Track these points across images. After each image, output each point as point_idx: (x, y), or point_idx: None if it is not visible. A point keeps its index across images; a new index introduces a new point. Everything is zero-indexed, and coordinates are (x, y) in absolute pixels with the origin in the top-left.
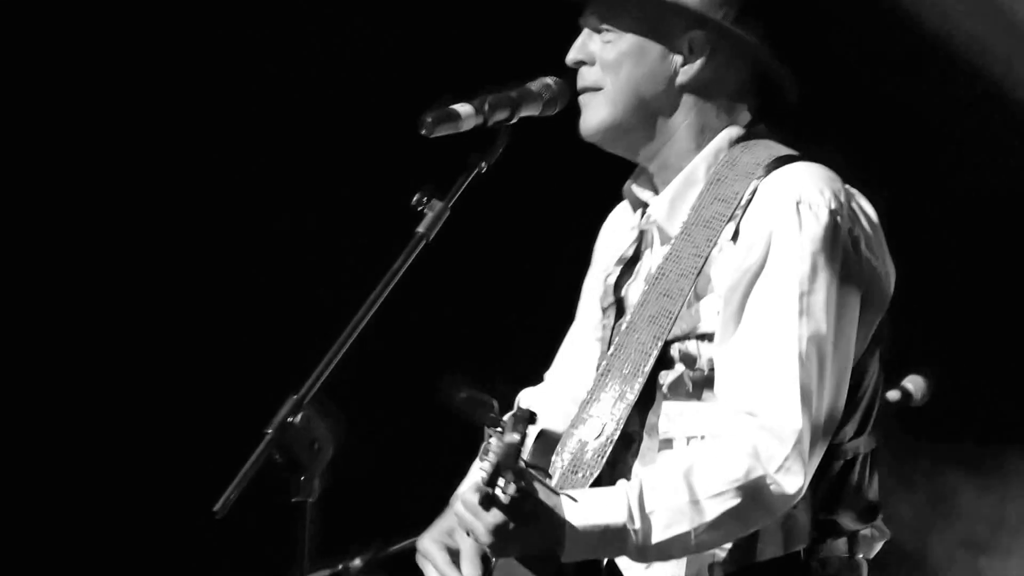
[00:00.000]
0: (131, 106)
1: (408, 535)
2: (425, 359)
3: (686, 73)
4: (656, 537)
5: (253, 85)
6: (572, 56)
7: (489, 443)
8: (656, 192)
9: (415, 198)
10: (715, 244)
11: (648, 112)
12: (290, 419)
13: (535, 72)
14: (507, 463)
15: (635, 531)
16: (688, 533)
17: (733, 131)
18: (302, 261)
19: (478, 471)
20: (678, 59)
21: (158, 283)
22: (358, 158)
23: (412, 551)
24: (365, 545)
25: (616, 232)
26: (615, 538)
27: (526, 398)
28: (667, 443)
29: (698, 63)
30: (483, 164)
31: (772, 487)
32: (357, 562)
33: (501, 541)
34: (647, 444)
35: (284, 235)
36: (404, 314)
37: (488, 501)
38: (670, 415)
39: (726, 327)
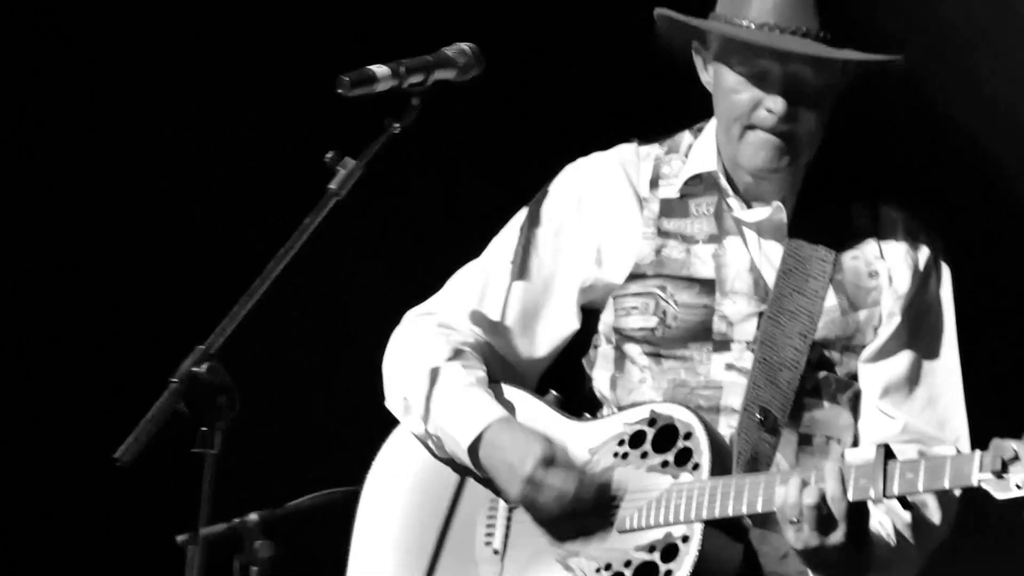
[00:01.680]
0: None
1: (306, 492)
2: (330, 316)
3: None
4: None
5: (170, 40)
6: (785, 111)
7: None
8: (731, 182)
9: (328, 156)
10: (847, 255)
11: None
12: (196, 369)
13: (451, 39)
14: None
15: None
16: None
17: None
18: (215, 214)
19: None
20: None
21: (69, 230)
22: (274, 115)
23: (310, 508)
24: (264, 499)
25: (610, 188)
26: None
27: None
28: (807, 439)
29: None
30: (396, 126)
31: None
32: (254, 517)
33: (825, 554)
34: (787, 437)
35: (197, 188)
36: (314, 271)
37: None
38: (814, 414)
39: (887, 353)
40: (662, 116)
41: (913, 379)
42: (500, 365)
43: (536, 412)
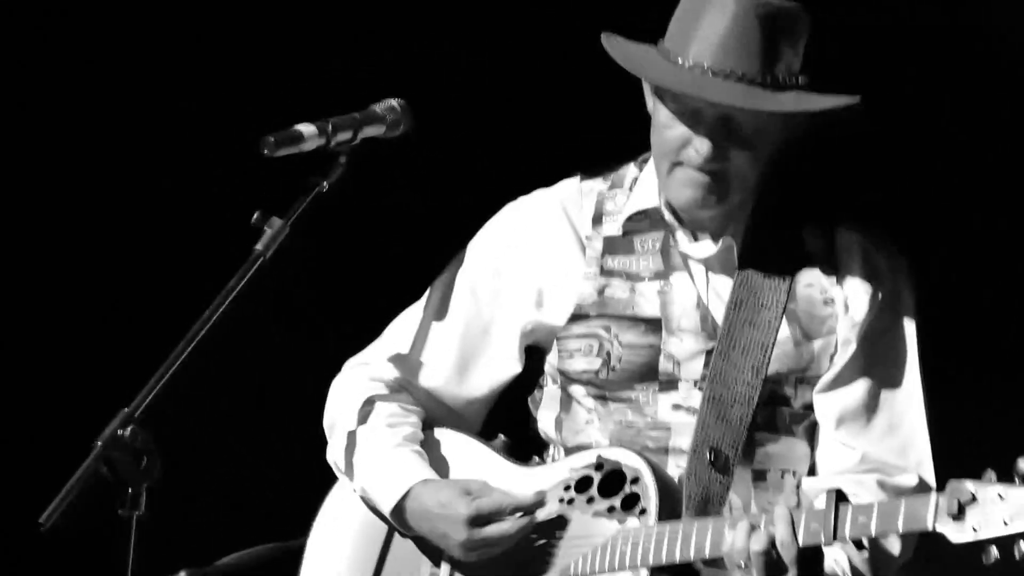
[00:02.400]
0: None
1: (235, 549)
2: (258, 376)
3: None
4: None
5: (100, 97)
6: (713, 152)
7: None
8: (676, 217)
9: (254, 216)
10: (801, 282)
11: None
12: (119, 433)
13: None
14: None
15: None
16: None
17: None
18: (137, 275)
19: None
20: (782, 137)
21: None
22: (198, 176)
23: (239, 566)
24: (191, 559)
25: (549, 227)
26: None
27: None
28: (761, 474)
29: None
30: (324, 184)
31: None
32: (183, 575)
33: None
34: (740, 474)
35: (120, 250)
36: (239, 332)
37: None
38: (767, 448)
39: (844, 381)
40: (613, 144)
41: (871, 407)
42: (442, 410)
43: (479, 459)
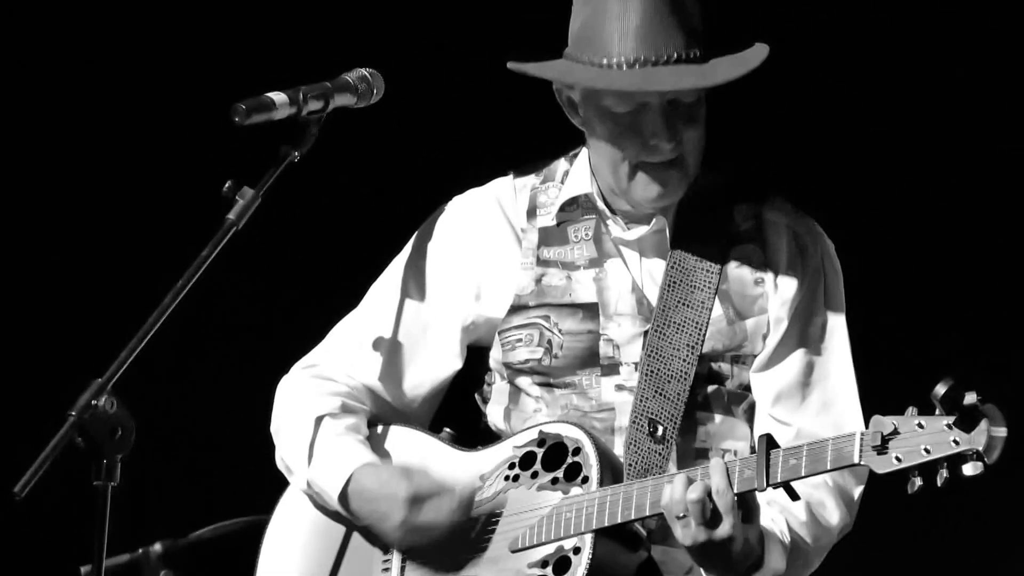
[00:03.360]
0: None
1: (209, 522)
2: (232, 344)
3: None
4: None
5: (71, 65)
6: (674, 137)
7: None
8: (607, 204)
9: (226, 186)
10: (732, 263)
11: None
12: (94, 402)
13: (352, 62)
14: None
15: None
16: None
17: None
18: (108, 245)
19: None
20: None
21: None
22: (170, 145)
23: (213, 537)
24: (166, 530)
25: (485, 223)
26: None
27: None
28: (703, 452)
29: None
30: (295, 154)
31: (847, 524)
32: (157, 547)
33: (715, 550)
34: (684, 452)
35: (91, 219)
36: (213, 301)
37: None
38: (708, 428)
39: (778, 357)
40: (539, 142)
41: (805, 384)
42: (386, 408)
43: (423, 448)
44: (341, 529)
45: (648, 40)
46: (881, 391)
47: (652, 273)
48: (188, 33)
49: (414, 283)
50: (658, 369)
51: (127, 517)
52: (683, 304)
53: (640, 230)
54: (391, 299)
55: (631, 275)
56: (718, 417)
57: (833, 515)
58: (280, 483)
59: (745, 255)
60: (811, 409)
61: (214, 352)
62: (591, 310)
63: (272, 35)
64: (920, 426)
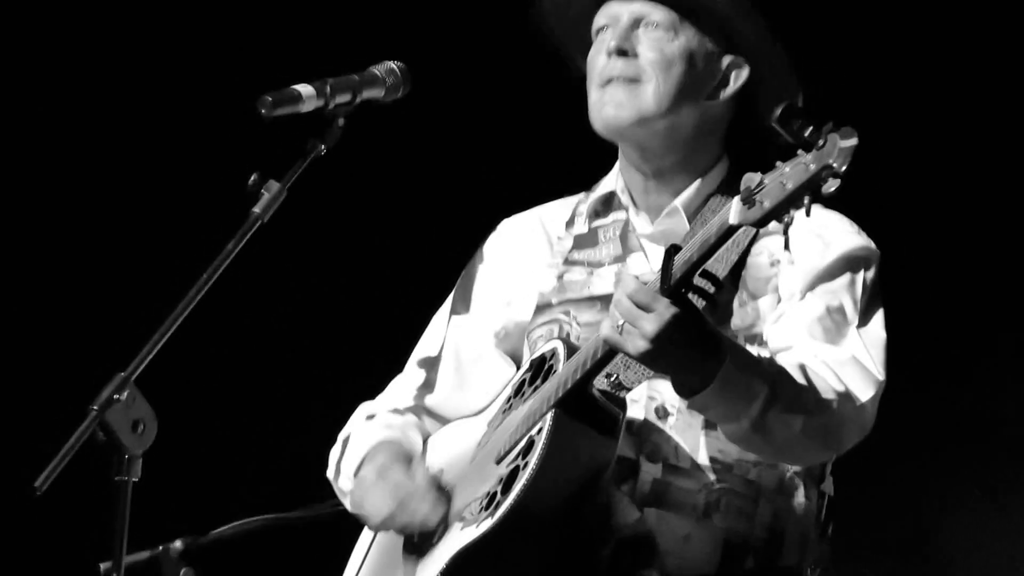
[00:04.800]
0: None
1: (230, 520)
2: (257, 341)
3: (722, 96)
4: (774, 412)
5: (88, 66)
6: (616, 44)
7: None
8: (634, 201)
9: (251, 180)
10: (751, 252)
11: (681, 120)
12: (115, 397)
13: (377, 58)
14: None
15: (765, 398)
16: (796, 424)
17: (721, 173)
18: (135, 238)
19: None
20: (717, 82)
21: None
22: (196, 138)
23: (234, 535)
24: (186, 528)
25: (524, 239)
26: (751, 392)
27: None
28: (712, 424)
29: (732, 91)
30: (322, 147)
31: (852, 426)
32: (178, 544)
33: (660, 348)
34: (687, 420)
35: (118, 212)
36: (238, 296)
37: (666, 304)
38: None
39: (794, 311)
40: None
41: (814, 316)
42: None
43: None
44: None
45: None
46: None
47: None
48: (212, 25)
49: (462, 304)
50: None
51: (147, 514)
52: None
53: (664, 223)
54: (443, 325)
55: (650, 266)
56: None
57: (834, 383)
58: (303, 480)
59: (765, 245)
60: (819, 331)
61: (238, 348)
62: (607, 300)
63: (297, 27)
64: (778, 166)
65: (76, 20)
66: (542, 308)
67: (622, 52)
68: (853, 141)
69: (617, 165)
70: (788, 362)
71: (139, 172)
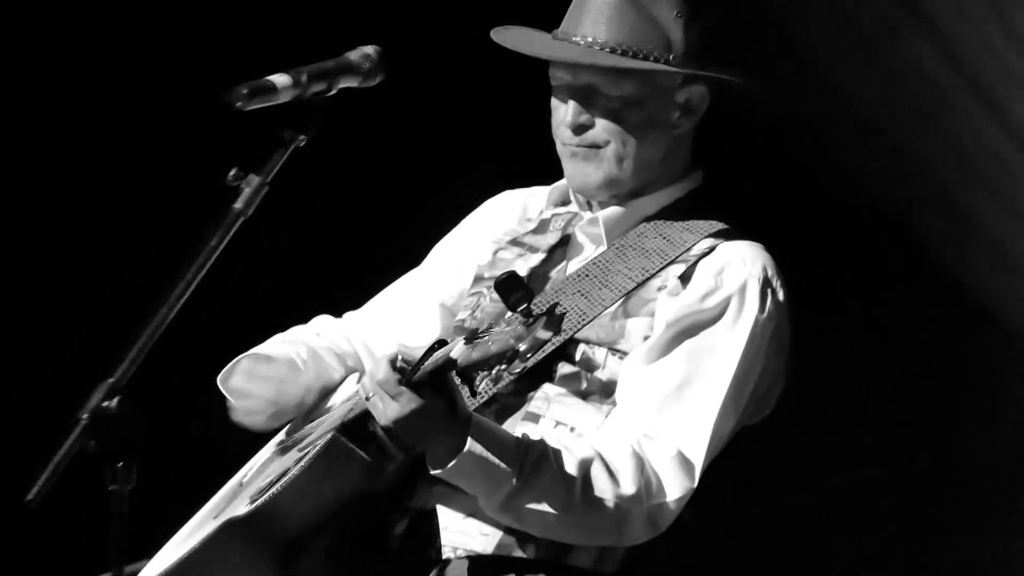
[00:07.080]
0: None
1: None
2: (240, 339)
3: (687, 123)
4: (524, 502)
5: (65, 58)
6: (572, 121)
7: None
8: (589, 202)
9: (231, 174)
10: (653, 276)
11: (645, 165)
12: (104, 405)
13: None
14: (495, 360)
15: (513, 485)
16: (551, 515)
17: (691, 184)
18: (115, 240)
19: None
20: (675, 115)
21: None
22: (170, 132)
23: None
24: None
25: (504, 213)
26: (494, 478)
27: (324, 324)
28: (533, 417)
29: (696, 116)
30: (301, 137)
31: (638, 523)
32: None
33: (400, 431)
34: (511, 404)
35: (96, 214)
36: (219, 297)
37: (418, 385)
38: (548, 396)
39: (651, 352)
40: None
41: (666, 387)
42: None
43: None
44: None
45: (583, 21)
46: None
47: (586, 259)
48: (184, 17)
49: (433, 256)
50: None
51: (142, 524)
52: (580, 294)
53: (587, 219)
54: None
55: (566, 260)
56: (570, 399)
57: (628, 481)
58: None
59: (668, 270)
60: (657, 399)
61: (236, 347)
62: None
63: (269, 17)
64: (503, 328)
65: (50, 16)
66: (477, 280)
67: (579, 129)
68: (548, 335)
69: None
70: (582, 447)
71: (114, 174)
